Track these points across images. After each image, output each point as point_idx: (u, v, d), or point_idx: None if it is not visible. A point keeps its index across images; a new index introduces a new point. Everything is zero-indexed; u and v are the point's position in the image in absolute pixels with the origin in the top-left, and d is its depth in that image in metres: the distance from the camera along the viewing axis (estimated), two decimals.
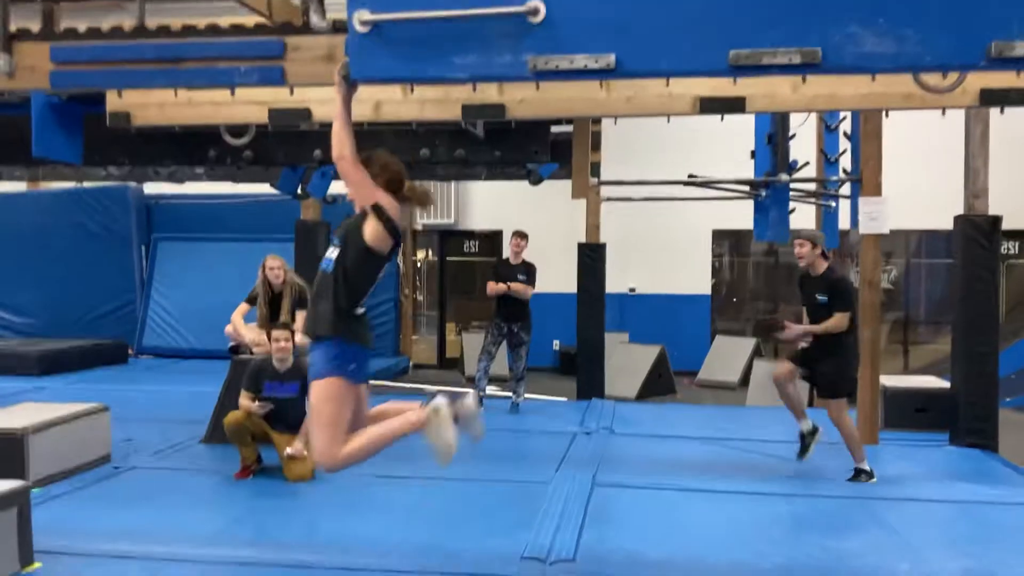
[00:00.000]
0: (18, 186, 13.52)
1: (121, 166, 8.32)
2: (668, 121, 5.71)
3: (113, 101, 5.59)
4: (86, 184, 12.85)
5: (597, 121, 8.04)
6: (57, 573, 4.09)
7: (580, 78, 3.01)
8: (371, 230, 3.49)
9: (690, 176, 8.43)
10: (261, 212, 12.59)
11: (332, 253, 3.59)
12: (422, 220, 13.64)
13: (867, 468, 5.93)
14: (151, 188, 13.18)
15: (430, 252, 14.28)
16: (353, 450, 3.50)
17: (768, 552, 4.54)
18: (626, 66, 2.81)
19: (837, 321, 5.85)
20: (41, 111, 5.85)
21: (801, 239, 6.08)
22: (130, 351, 12.31)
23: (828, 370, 5.93)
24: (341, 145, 3.46)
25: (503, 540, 4.62)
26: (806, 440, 6.14)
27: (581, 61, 2.84)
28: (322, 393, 3.49)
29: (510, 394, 8.72)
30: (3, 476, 4.58)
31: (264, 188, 11.11)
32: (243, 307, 6.94)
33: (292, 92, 5.24)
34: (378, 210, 3.47)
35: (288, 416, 5.95)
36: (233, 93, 5.15)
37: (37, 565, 4.13)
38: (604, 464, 6.28)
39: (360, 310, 3.59)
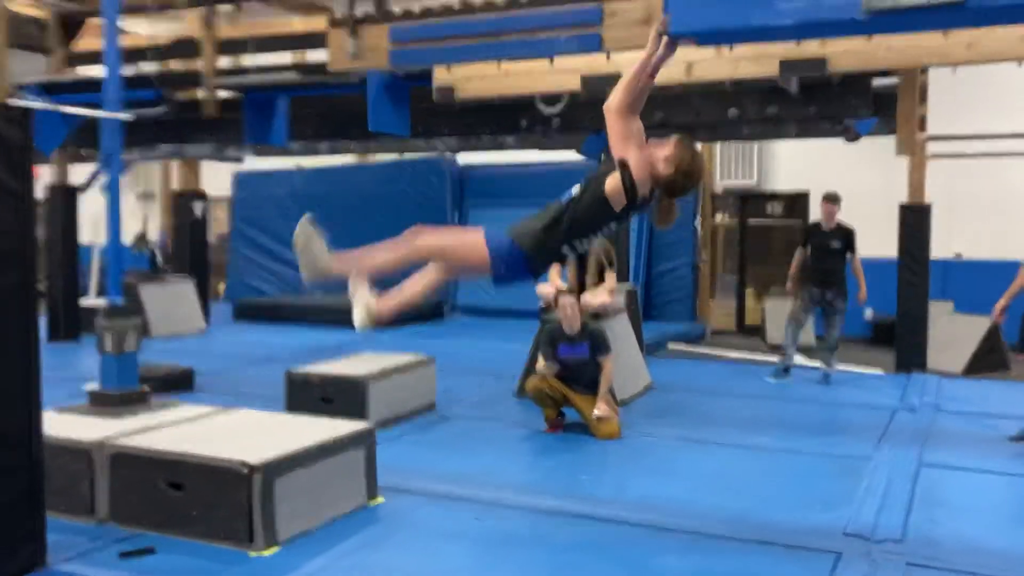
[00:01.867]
0: (347, 159, 14.96)
1: (443, 137, 8.87)
2: (1020, 65, 5.08)
3: (440, 76, 5.98)
4: (406, 156, 13.94)
5: (924, 71, 7.35)
6: (398, 508, 4.51)
7: (920, 18, 2.71)
8: (612, 183, 3.41)
9: None
10: (564, 178, 12.79)
11: (573, 190, 3.54)
12: (722, 182, 13.30)
13: None
14: (463, 158, 14.01)
15: (729, 215, 13.91)
16: (402, 245, 3.55)
17: None
18: None
19: None
20: (376, 89, 6.39)
21: None
22: (445, 309, 13.24)
23: None
24: (614, 95, 3.38)
25: (822, 514, 4.43)
26: None
27: None
28: (470, 241, 3.51)
29: (819, 364, 8.32)
30: (349, 417, 5.13)
31: (566, 155, 11.43)
32: (557, 268, 7.17)
33: (608, 57, 5.29)
34: (624, 166, 3.38)
35: (583, 376, 6.14)
36: (552, 62, 5.30)
37: (381, 500, 4.59)
38: (931, 442, 5.81)
39: (565, 251, 3.55)
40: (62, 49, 10.00)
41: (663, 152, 3.42)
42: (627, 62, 5.81)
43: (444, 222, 13.84)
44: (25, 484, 3.58)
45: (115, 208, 5.65)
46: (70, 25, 10.06)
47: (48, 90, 8.20)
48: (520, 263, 3.50)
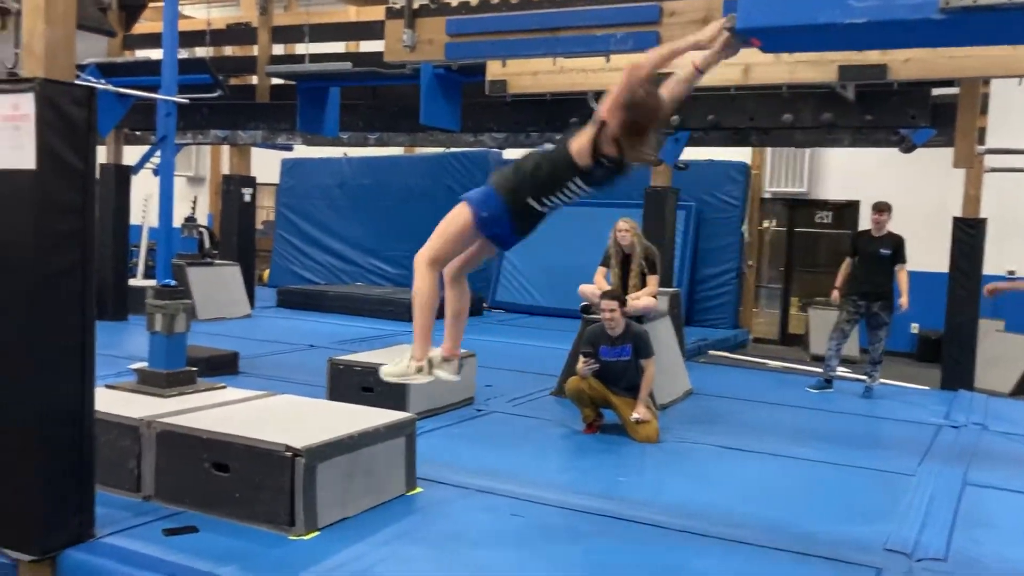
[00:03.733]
0: (396, 151, 15.05)
1: (491, 133, 8.89)
2: None
3: (494, 70, 5.98)
4: (452, 149, 13.98)
5: (986, 82, 7.20)
6: (436, 499, 4.53)
7: (999, 23, 2.64)
8: (581, 137, 3.46)
9: None
10: None
11: (548, 145, 3.69)
12: (771, 188, 13.16)
13: None
14: (507, 154, 14.01)
15: (776, 222, 13.76)
16: (424, 282, 3.65)
17: None
18: None
19: None
20: (429, 82, 6.41)
21: None
22: (484, 304, 13.26)
23: None
24: (649, 55, 3.41)
25: (862, 528, 4.37)
26: None
27: None
28: (452, 213, 3.66)
29: (863, 377, 8.21)
30: (389, 407, 5.15)
31: None
32: (601, 270, 7.17)
33: None
34: (601, 124, 3.40)
35: (623, 379, 6.11)
36: (608, 60, 5.27)
37: (419, 490, 4.62)
38: (976, 462, 5.71)
39: (538, 207, 3.60)
40: (121, 31, 10.20)
41: (619, 99, 3.35)
42: (682, 63, 5.78)
43: None
44: (77, 458, 3.65)
45: (167, 190, 5.74)
46: (131, 8, 10.25)
47: (106, 71, 8.35)
48: (500, 211, 3.57)
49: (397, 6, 5.30)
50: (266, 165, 15.02)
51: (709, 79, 5.95)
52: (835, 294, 8.14)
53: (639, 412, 5.95)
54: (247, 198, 11.89)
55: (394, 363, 3.87)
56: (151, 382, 4.91)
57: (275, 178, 15.87)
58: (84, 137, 3.54)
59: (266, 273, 15.89)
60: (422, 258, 3.68)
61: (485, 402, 6.81)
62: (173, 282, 5.31)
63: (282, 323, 11.14)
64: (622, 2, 4.71)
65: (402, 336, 9.75)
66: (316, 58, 9.03)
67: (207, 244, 13.32)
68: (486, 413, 6.54)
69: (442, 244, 3.66)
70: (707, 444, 5.94)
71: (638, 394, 6.03)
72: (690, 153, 9.86)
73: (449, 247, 3.68)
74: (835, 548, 4.07)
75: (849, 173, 12.45)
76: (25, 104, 3.36)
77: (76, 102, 3.49)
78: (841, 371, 8.54)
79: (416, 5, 5.24)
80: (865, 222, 9.57)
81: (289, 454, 3.87)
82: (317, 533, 3.91)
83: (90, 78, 7.65)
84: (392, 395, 5.98)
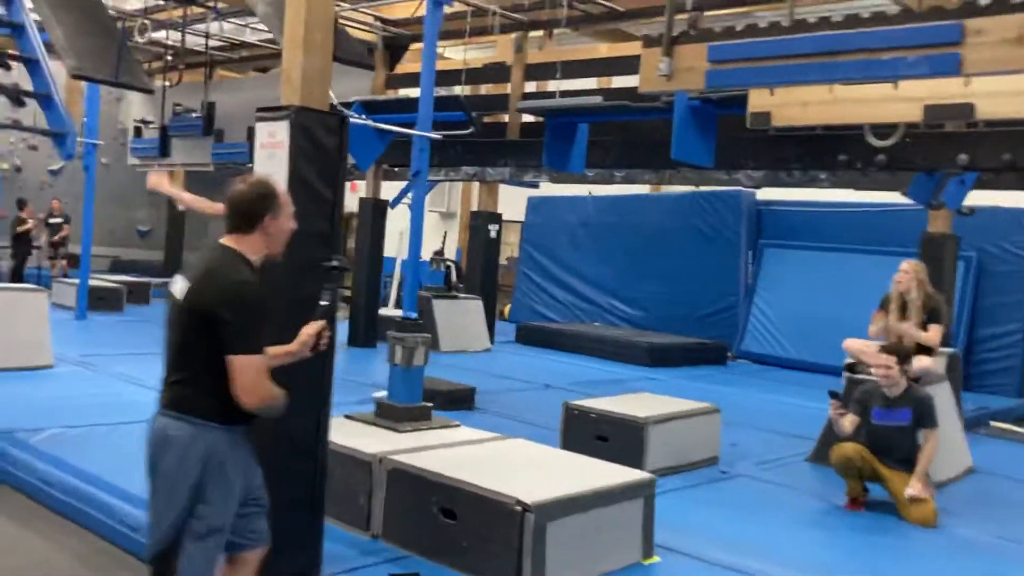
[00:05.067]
0: (641, 189, 14.74)
1: (747, 171, 8.35)
2: None
3: (757, 100, 5.48)
4: (702, 188, 13.46)
5: None
6: (674, 570, 4.09)
7: None
8: None
9: None
10: (876, 222, 11.82)
11: None
12: None
13: None
14: (762, 194, 13.27)
15: None
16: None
17: None
18: None
19: None
20: (683, 114, 6.02)
21: None
22: (728, 354, 12.54)
23: None
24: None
25: None
26: None
27: None
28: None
29: None
30: (622, 462, 4.75)
31: (879, 196, 10.39)
32: (876, 319, 6.37)
33: (968, 83, 4.55)
34: None
35: (896, 447, 5.33)
36: (896, 86, 4.65)
37: (656, 559, 4.18)
38: None
39: None
40: (385, 71, 10.69)
41: None
42: (980, 91, 5.01)
43: (735, 260, 13.21)
44: (309, 489, 3.59)
45: (418, 224, 5.74)
46: (395, 49, 10.73)
47: (369, 108, 8.69)
48: None
49: (655, 34, 5.00)
50: (513, 203, 15.24)
51: (1003, 109, 5.14)
52: None
53: (915, 488, 5.16)
54: (493, 234, 12.04)
55: None
56: (387, 415, 4.86)
57: (521, 215, 16.08)
58: (334, 165, 3.49)
59: (507, 308, 16.06)
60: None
61: (731, 463, 6.23)
62: (415, 315, 5.26)
63: (519, 360, 11.08)
64: (915, 22, 4.11)
65: (637, 382, 9.32)
66: (567, 95, 8.93)
67: (454, 278, 13.64)
68: (732, 476, 5.97)
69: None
70: (994, 535, 5.04)
71: (913, 468, 5.25)
72: (974, 197, 8.75)
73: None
74: None
75: None
76: (280, 132, 3.36)
77: (328, 130, 3.45)
78: None
79: (675, 32, 4.91)
80: None
81: (519, 509, 3.59)
82: None
83: (354, 114, 7.96)
84: (628, 447, 5.61)
